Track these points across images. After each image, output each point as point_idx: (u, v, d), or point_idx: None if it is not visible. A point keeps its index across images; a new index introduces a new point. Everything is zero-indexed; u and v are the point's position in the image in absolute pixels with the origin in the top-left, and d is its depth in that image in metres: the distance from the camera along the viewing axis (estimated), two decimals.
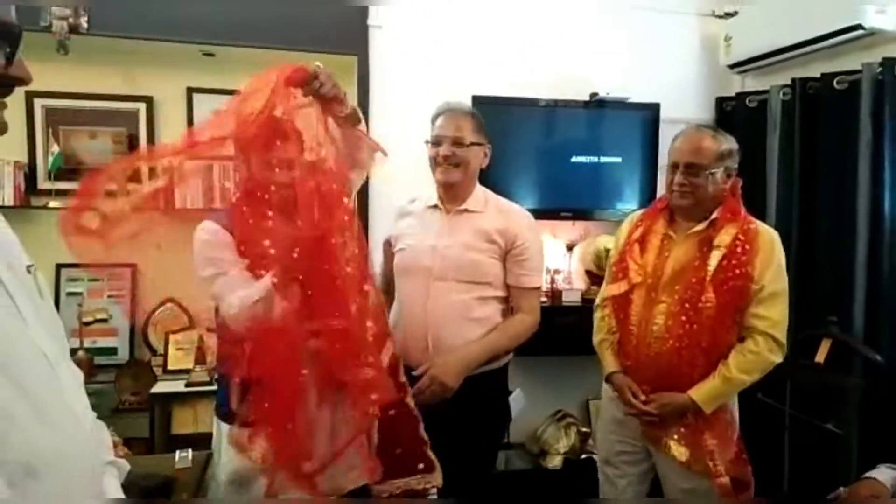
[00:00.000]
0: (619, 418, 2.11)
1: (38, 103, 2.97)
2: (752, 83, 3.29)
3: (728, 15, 3.31)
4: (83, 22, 2.64)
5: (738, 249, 1.87)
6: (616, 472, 2.15)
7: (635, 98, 3.20)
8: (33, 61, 3.05)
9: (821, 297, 2.72)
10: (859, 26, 2.49)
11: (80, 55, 2.71)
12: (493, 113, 3.06)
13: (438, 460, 1.81)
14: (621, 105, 3.21)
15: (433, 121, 2.07)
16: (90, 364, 2.90)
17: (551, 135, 3.21)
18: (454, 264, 1.96)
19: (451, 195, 2.05)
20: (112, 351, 3.03)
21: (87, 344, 2.94)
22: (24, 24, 2.80)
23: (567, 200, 3.15)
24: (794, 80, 2.85)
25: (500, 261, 2.00)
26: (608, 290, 2.10)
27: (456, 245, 1.98)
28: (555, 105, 3.18)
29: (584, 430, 3.09)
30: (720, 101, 3.37)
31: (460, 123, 1.99)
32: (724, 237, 1.90)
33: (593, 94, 3.17)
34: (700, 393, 1.90)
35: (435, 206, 2.07)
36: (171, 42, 2.82)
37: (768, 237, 1.94)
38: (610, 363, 2.10)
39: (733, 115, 3.27)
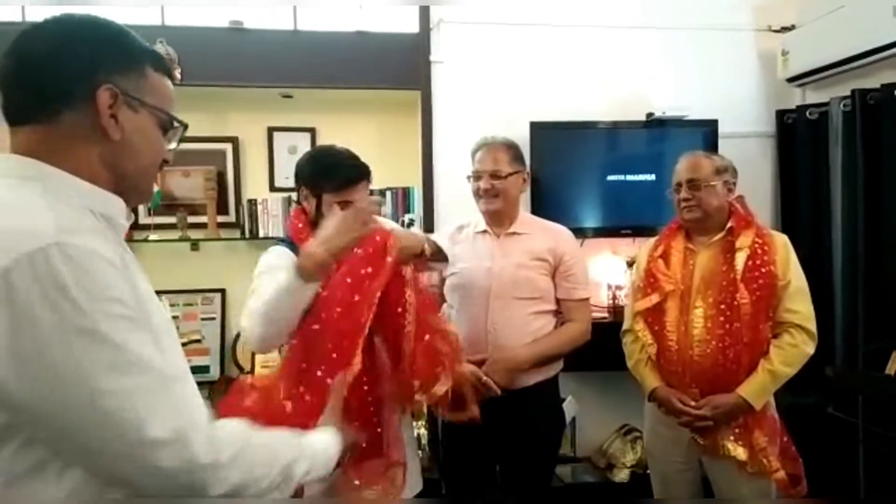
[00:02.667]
0: (668, 436, 2.16)
1: None
2: (812, 95, 3.28)
3: (785, 29, 3.33)
4: (177, 74, 2.95)
5: (760, 251, 2.00)
6: (673, 492, 2.20)
7: (693, 115, 3.25)
8: None
9: (890, 309, 2.68)
10: None
11: (175, 103, 3.02)
12: (551, 137, 3.21)
13: (501, 468, 2.01)
14: (679, 123, 3.27)
15: (472, 156, 2.23)
16: None
17: (610, 155, 3.30)
18: (510, 282, 2.12)
19: (498, 221, 2.22)
20: (205, 369, 3.31)
21: None
22: None
23: (627, 218, 3.23)
24: (853, 91, 2.84)
25: (550, 276, 2.14)
26: (638, 305, 2.17)
27: (510, 265, 2.14)
28: (613, 126, 3.28)
29: None
30: (780, 114, 3.37)
31: (497, 156, 2.16)
32: (745, 240, 2.03)
33: (649, 114, 3.25)
34: (749, 390, 1.97)
35: (484, 232, 2.23)
36: (254, 87, 3.11)
37: (782, 240, 2.09)
38: (651, 380, 2.15)
39: (794, 127, 3.27)
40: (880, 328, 2.67)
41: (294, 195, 3.20)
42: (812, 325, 2.03)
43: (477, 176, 2.16)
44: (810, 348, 2.02)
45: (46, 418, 0.81)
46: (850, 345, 2.86)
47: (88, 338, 0.80)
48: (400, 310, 1.63)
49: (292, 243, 1.74)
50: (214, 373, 3.31)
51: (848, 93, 2.87)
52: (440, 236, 2.22)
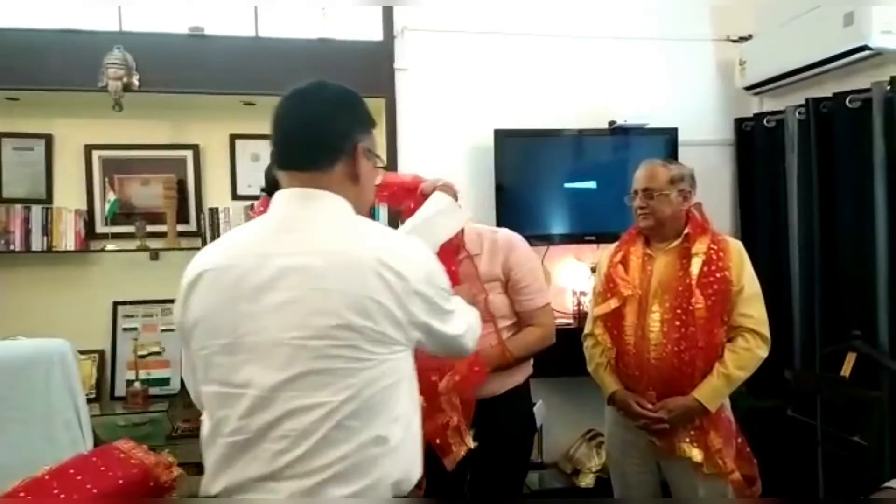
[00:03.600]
0: (627, 439, 2.18)
1: (96, 155, 3.24)
2: (769, 104, 3.36)
3: (742, 39, 3.40)
4: (135, 81, 2.90)
5: (714, 256, 2.04)
6: (633, 494, 2.22)
7: (655, 123, 3.30)
8: (91, 118, 3.36)
9: (845, 312, 2.74)
10: (866, 47, 2.56)
11: (133, 110, 2.96)
12: (515, 145, 3.23)
13: (472, 477, 2.08)
14: (641, 131, 3.31)
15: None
16: (145, 394, 3.11)
17: (573, 163, 3.33)
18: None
19: None
20: (165, 381, 3.24)
21: (142, 375, 3.14)
22: (83, 86, 3.09)
23: (590, 225, 3.25)
24: (808, 100, 2.92)
25: (504, 293, 2.11)
26: (598, 310, 2.19)
27: (465, 292, 2.01)
28: (576, 134, 3.31)
29: None
30: (739, 122, 3.44)
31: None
32: (700, 246, 2.06)
33: (612, 122, 3.29)
34: (703, 393, 2.00)
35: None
36: (214, 94, 3.06)
37: (736, 246, 2.11)
38: (610, 383, 2.17)
39: (752, 135, 3.34)
40: (836, 331, 2.73)
41: (255, 203, 3.18)
42: (765, 329, 2.07)
43: None
44: (763, 352, 2.05)
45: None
46: (808, 348, 2.92)
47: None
48: None
49: None
50: (175, 385, 3.24)
51: (802, 101, 2.95)
52: None
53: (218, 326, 1.16)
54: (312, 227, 1.19)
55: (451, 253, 1.95)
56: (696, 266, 2.03)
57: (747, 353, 2.04)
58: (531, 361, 2.20)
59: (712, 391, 2.00)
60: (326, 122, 1.24)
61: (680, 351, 2.01)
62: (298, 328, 1.11)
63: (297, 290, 1.13)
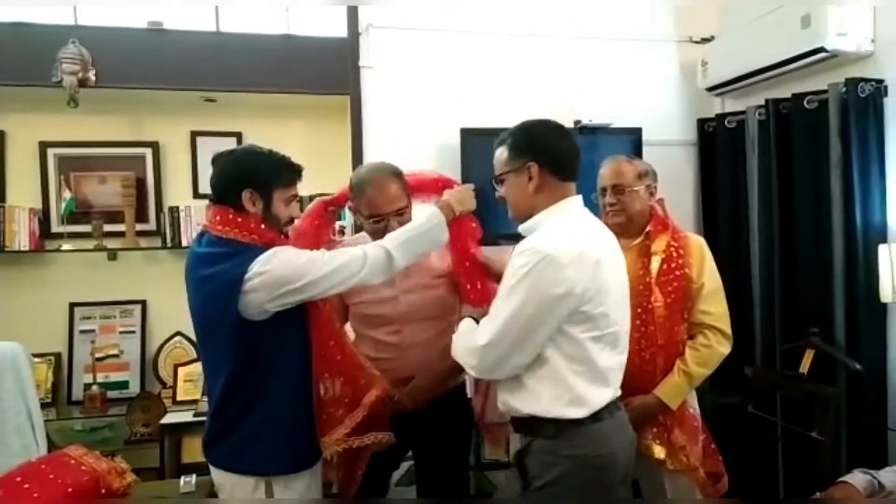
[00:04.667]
0: None
1: (51, 152, 3.15)
2: (730, 104, 3.41)
3: (704, 40, 3.44)
4: (91, 76, 2.82)
5: (674, 254, 2.05)
6: None
7: (619, 123, 3.32)
8: (46, 114, 3.28)
9: (803, 310, 2.79)
10: (822, 49, 2.60)
11: (90, 106, 2.89)
12: (482, 144, 3.21)
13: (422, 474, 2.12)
14: (606, 131, 3.33)
15: (361, 195, 1.97)
16: (103, 398, 3.03)
17: None
18: (419, 304, 2.04)
19: None
20: (124, 385, 3.17)
21: (99, 379, 3.07)
22: (37, 80, 3.01)
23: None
24: (767, 100, 2.96)
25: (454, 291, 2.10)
26: None
27: (416, 287, 2.05)
28: None
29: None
30: (701, 123, 3.48)
31: (395, 192, 1.96)
32: (660, 244, 2.08)
33: (577, 122, 3.30)
34: (665, 391, 2.01)
35: None
36: (174, 90, 2.99)
37: (697, 243, 2.14)
38: None
39: (714, 135, 3.38)
40: (795, 328, 2.78)
41: None
42: (726, 325, 2.09)
43: (378, 219, 1.94)
44: (725, 348, 2.07)
45: None
46: (769, 345, 2.96)
47: None
48: None
49: (257, 250, 1.67)
50: (134, 388, 3.17)
51: (762, 102, 2.99)
52: None
53: None
54: None
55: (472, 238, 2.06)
56: (655, 264, 2.05)
57: (708, 350, 2.06)
58: None
59: (673, 388, 2.02)
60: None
61: (640, 349, 2.01)
62: None
63: None
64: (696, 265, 2.07)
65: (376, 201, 1.93)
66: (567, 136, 1.71)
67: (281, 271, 1.62)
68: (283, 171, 1.75)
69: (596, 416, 1.56)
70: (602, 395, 1.57)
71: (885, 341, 2.55)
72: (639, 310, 2.01)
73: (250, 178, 1.70)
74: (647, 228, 2.13)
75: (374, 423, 1.87)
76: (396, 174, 2.00)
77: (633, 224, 2.13)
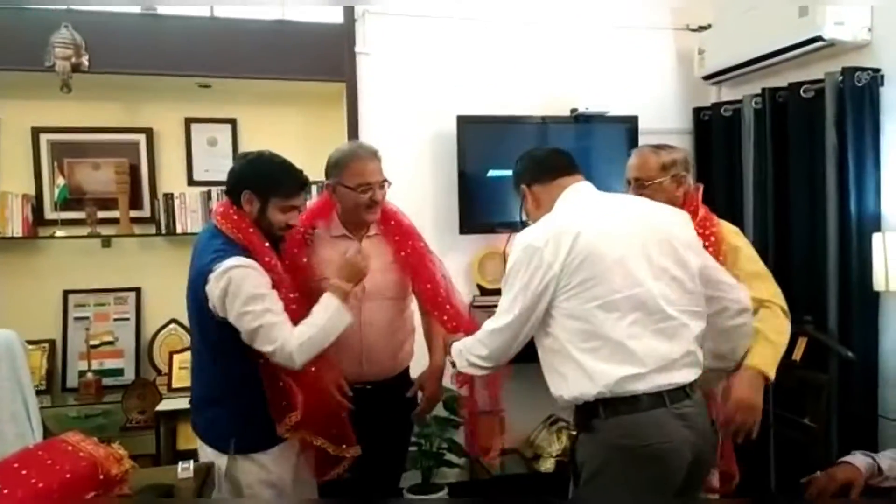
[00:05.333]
0: None
1: (44, 138, 3.12)
2: (726, 93, 3.41)
3: (701, 28, 3.44)
4: (84, 61, 2.79)
5: (704, 243, 1.91)
6: None
7: (615, 112, 3.32)
8: (39, 99, 3.24)
9: (796, 298, 2.80)
10: (819, 38, 2.61)
11: (83, 92, 2.86)
12: (478, 131, 3.22)
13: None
14: (602, 119, 3.33)
15: (346, 167, 2.07)
16: (98, 385, 3.03)
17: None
18: (381, 284, 2.11)
19: (367, 225, 2.16)
20: (119, 372, 3.16)
21: (94, 366, 3.06)
22: (29, 65, 2.97)
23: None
24: (764, 89, 2.97)
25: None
26: None
27: (377, 267, 2.10)
28: (539, 122, 3.31)
29: (574, 433, 3.17)
30: (697, 111, 3.49)
31: (377, 166, 2.09)
32: None
33: (573, 110, 3.29)
34: (759, 361, 1.84)
35: (343, 236, 2.15)
36: (168, 76, 2.97)
37: (729, 230, 2.08)
38: None
39: (710, 124, 3.39)
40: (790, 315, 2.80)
41: (212, 189, 3.12)
42: (781, 302, 1.98)
43: (367, 188, 2.04)
44: (786, 320, 1.97)
45: None
46: None
47: None
48: None
49: (236, 245, 1.82)
50: (129, 375, 3.16)
51: (759, 91, 3.00)
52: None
53: None
54: None
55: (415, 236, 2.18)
56: None
57: (776, 320, 1.93)
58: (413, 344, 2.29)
59: (766, 356, 1.85)
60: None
61: None
62: None
63: None
64: (728, 253, 1.98)
65: (363, 170, 2.04)
66: (540, 149, 1.91)
67: (218, 293, 1.75)
68: (284, 182, 1.89)
69: (643, 403, 1.50)
70: (615, 372, 1.50)
71: (877, 330, 2.58)
72: None
73: (252, 181, 1.87)
74: None
75: (333, 420, 1.94)
76: (376, 153, 2.12)
77: None
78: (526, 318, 1.59)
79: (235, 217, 1.85)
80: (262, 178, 1.87)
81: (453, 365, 1.90)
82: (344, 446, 1.95)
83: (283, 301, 1.81)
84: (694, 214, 2.05)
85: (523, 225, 1.79)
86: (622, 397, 1.50)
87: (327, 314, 1.84)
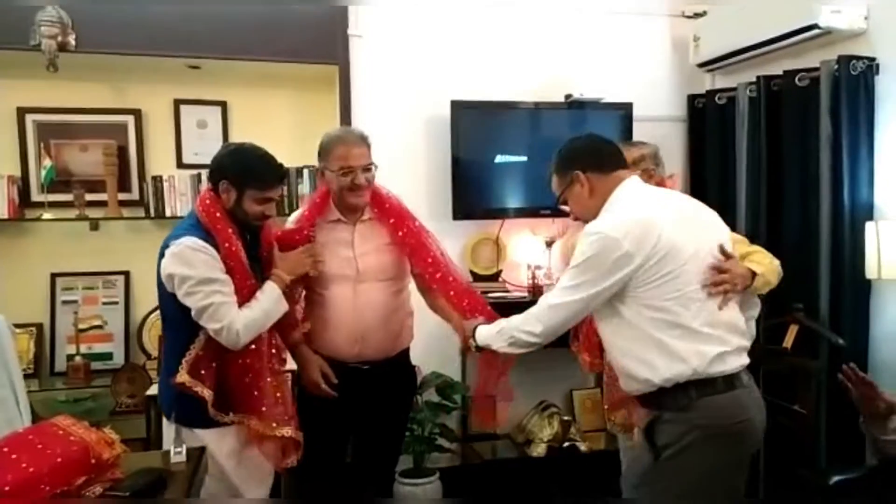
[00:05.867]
0: None
1: (30, 118, 3.06)
2: (721, 81, 3.40)
3: (697, 15, 3.42)
4: (71, 40, 2.73)
5: None
6: None
7: (609, 98, 3.31)
8: (24, 79, 3.17)
9: (788, 286, 2.82)
10: (815, 26, 2.60)
11: (70, 71, 2.80)
12: (472, 117, 3.19)
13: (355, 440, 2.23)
14: (597, 105, 3.31)
15: (331, 151, 2.11)
16: (87, 369, 3.00)
17: (528, 136, 3.31)
18: (376, 267, 2.15)
19: (358, 209, 2.18)
20: (108, 356, 3.13)
21: (83, 350, 3.03)
22: (14, 43, 2.90)
23: (546, 198, 3.22)
24: (759, 77, 2.96)
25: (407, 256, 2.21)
26: None
27: (372, 250, 2.16)
28: (533, 107, 3.29)
29: (566, 418, 3.20)
30: (691, 99, 3.48)
31: (363, 150, 2.11)
32: None
33: (568, 96, 3.28)
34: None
35: (338, 220, 2.17)
36: (157, 56, 2.91)
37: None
38: None
39: (704, 111, 3.38)
40: (779, 304, 2.81)
41: (202, 172, 3.07)
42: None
43: (348, 171, 2.07)
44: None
45: None
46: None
47: None
48: None
49: (201, 228, 1.88)
50: (119, 360, 3.13)
51: (754, 79, 2.99)
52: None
53: None
54: None
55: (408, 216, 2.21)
56: None
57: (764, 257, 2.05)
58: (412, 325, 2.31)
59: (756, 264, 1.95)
60: None
61: None
62: None
63: None
64: None
65: (346, 154, 2.07)
66: (597, 137, 1.89)
67: (168, 269, 1.84)
68: (261, 174, 1.94)
69: (726, 384, 1.62)
70: (707, 352, 1.60)
71: (868, 317, 2.60)
72: None
73: (230, 171, 1.93)
74: None
75: (266, 398, 1.93)
76: (364, 138, 2.14)
77: None
78: (590, 301, 1.66)
79: (208, 202, 1.93)
80: (240, 169, 1.93)
81: (478, 349, 1.96)
82: (275, 425, 1.94)
83: (236, 287, 1.87)
84: None
85: (554, 209, 1.88)
86: (711, 378, 1.61)
87: (270, 300, 1.92)
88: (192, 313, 1.83)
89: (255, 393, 1.92)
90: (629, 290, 1.63)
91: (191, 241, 1.83)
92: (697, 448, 1.61)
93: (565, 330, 1.78)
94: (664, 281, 1.61)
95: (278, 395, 1.99)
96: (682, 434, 1.63)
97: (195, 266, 1.82)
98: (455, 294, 2.17)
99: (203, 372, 1.88)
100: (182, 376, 1.86)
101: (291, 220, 2.24)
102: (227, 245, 1.87)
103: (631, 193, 1.75)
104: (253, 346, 1.92)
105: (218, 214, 1.90)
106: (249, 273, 1.93)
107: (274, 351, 2.05)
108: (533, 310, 1.79)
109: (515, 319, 1.81)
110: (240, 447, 1.95)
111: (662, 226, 1.62)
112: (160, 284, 1.90)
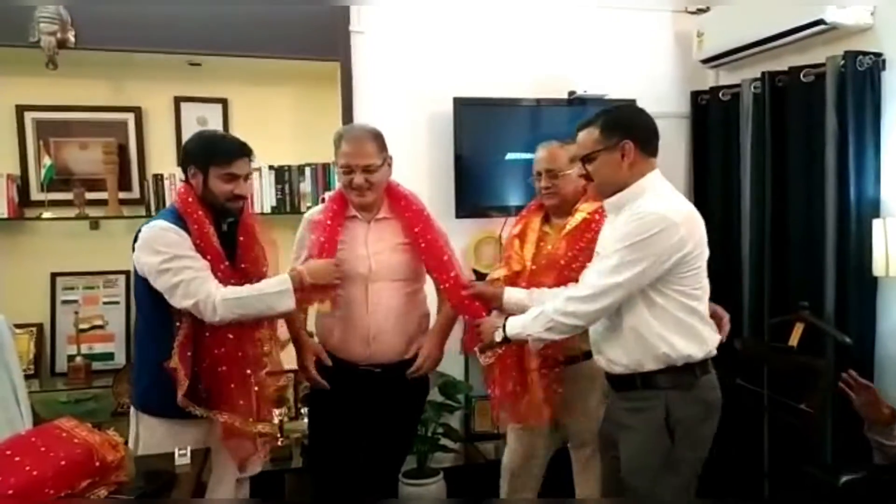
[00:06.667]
0: None
1: (29, 116, 3.03)
2: (725, 77, 3.38)
3: (700, 11, 3.40)
4: (71, 37, 2.70)
5: (598, 219, 2.09)
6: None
7: (613, 95, 3.28)
8: (23, 76, 3.13)
9: (793, 283, 2.82)
10: (821, 21, 2.58)
11: (69, 69, 2.77)
12: (475, 113, 3.17)
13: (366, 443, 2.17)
14: (600, 102, 3.28)
15: (337, 144, 2.11)
16: (88, 370, 2.97)
17: (531, 133, 3.29)
18: (387, 266, 2.12)
19: (367, 209, 2.16)
20: (109, 356, 3.10)
21: (84, 350, 3.01)
22: (13, 40, 2.87)
23: None
24: (763, 73, 2.94)
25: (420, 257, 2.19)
26: (493, 274, 2.35)
27: (385, 249, 2.13)
28: (536, 104, 3.27)
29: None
30: (695, 95, 3.46)
31: (366, 149, 2.06)
32: (583, 212, 2.16)
33: (571, 93, 3.26)
34: None
35: (354, 217, 2.16)
36: (157, 53, 2.89)
37: None
38: None
39: (708, 108, 3.37)
40: (784, 301, 2.80)
41: None
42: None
43: (348, 170, 2.06)
44: None
45: None
46: (757, 318, 2.99)
47: None
48: None
49: (179, 217, 1.91)
50: (120, 360, 3.11)
51: (758, 75, 2.97)
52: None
53: None
54: None
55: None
56: (572, 223, 2.15)
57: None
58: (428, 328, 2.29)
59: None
60: None
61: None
62: None
63: None
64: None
65: (348, 153, 2.06)
66: (650, 117, 1.89)
67: (137, 251, 1.87)
68: (220, 149, 1.96)
69: (710, 365, 1.83)
70: (714, 338, 1.81)
71: (875, 315, 2.59)
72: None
73: (193, 154, 1.98)
74: (578, 206, 2.20)
75: (241, 391, 1.92)
76: (375, 135, 2.12)
77: (566, 204, 2.23)
78: (637, 281, 1.70)
79: (182, 191, 1.97)
80: (201, 150, 1.97)
81: (504, 342, 1.95)
82: (251, 420, 1.92)
83: (211, 269, 1.87)
84: (596, 199, 2.15)
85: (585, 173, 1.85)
86: (707, 359, 1.80)
87: (274, 289, 1.90)
88: (167, 297, 1.83)
89: (231, 385, 1.89)
90: (669, 275, 1.71)
91: (159, 223, 1.87)
92: (703, 422, 1.80)
93: (611, 312, 1.78)
94: (695, 273, 1.74)
95: (256, 390, 1.95)
96: (692, 409, 1.77)
97: (163, 245, 1.82)
98: (466, 297, 2.13)
99: (189, 354, 1.88)
100: (174, 361, 1.85)
101: (314, 213, 2.22)
102: (196, 227, 1.88)
103: (666, 184, 1.82)
104: (231, 336, 1.89)
105: (190, 199, 1.92)
106: (222, 255, 1.91)
107: (267, 348, 2.02)
108: (571, 292, 1.81)
109: (554, 304, 1.81)
110: (201, 443, 1.89)
111: (702, 223, 1.77)
112: (135, 270, 1.91)
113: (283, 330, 2.14)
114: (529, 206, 2.39)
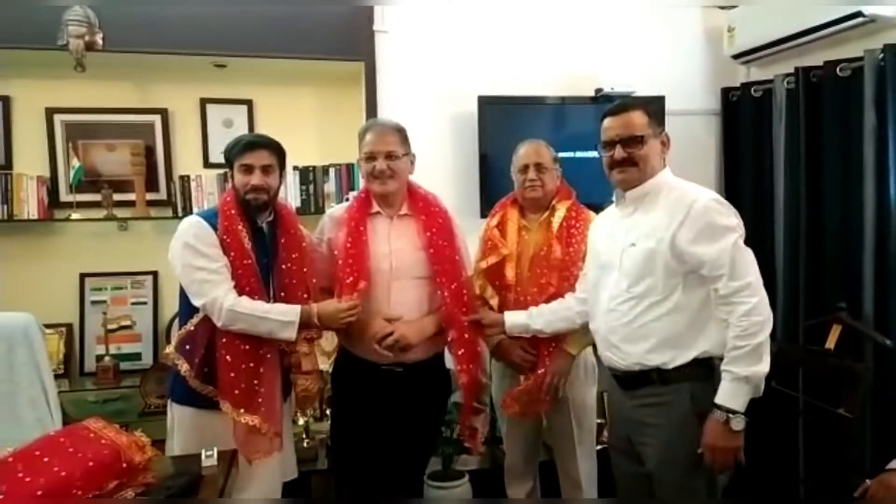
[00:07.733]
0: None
1: (58, 119, 3.06)
2: (756, 73, 3.30)
3: (731, 6, 3.32)
4: (98, 39, 2.72)
5: (574, 216, 2.27)
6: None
7: (641, 91, 3.22)
8: (52, 79, 3.16)
9: (830, 284, 2.73)
10: (860, 13, 2.50)
11: (97, 71, 2.79)
12: (499, 112, 3.13)
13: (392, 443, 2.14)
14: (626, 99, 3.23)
15: (361, 137, 2.15)
16: (116, 370, 3.00)
17: (558, 131, 3.24)
18: (409, 263, 2.12)
19: (389, 203, 2.16)
20: (136, 356, 3.13)
21: (112, 350, 3.03)
22: (41, 43, 2.89)
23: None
24: (797, 68, 2.86)
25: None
26: (480, 265, 2.35)
27: (408, 247, 2.13)
28: (561, 102, 3.22)
29: (599, 421, 3.12)
30: (726, 92, 3.38)
31: (389, 139, 2.10)
32: (561, 209, 2.29)
33: (598, 90, 3.20)
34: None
35: (377, 213, 2.16)
36: (183, 55, 2.90)
37: (592, 215, 2.28)
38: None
39: (739, 104, 3.29)
40: (820, 303, 2.72)
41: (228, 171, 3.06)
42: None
43: (371, 157, 2.09)
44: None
45: None
46: (792, 320, 2.91)
47: None
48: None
49: (216, 215, 1.99)
50: (147, 360, 3.13)
51: (791, 70, 2.89)
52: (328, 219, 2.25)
53: None
54: None
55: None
56: (557, 218, 2.26)
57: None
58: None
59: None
60: None
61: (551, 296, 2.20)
62: None
63: None
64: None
65: (372, 141, 2.10)
66: None
67: (172, 243, 1.98)
68: (237, 143, 2.03)
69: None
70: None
71: None
72: (546, 271, 2.23)
73: (224, 156, 2.08)
74: (553, 203, 2.32)
75: (243, 380, 1.94)
76: (398, 129, 2.16)
77: (544, 199, 2.32)
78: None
79: (226, 190, 2.09)
80: (227, 149, 2.05)
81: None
82: (242, 410, 1.91)
83: (232, 263, 1.93)
84: (566, 198, 2.33)
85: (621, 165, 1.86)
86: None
87: (281, 317, 1.95)
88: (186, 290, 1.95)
89: (232, 374, 1.92)
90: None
91: (191, 217, 2.00)
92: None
93: None
94: None
95: (255, 381, 1.94)
96: (710, 401, 1.76)
97: (190, 238, 1.92)
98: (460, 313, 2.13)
99: (188, 347, 1.95)
100: (168, 348, 1.98)
101: (336, 210, 2.25)
102: (225, 224, 1.95)
103: (681, 181, 1.89)
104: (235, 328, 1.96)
105: (228, 199, 2.02)
106: (247, 252, 1.95)
107: (306, 349, 2.05)
108: (741, 308, 1.77)
109: (731, 332, 1.77)
110: (220, 434, 1.90)
111: None
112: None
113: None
114: (504, 200, 2.44)
